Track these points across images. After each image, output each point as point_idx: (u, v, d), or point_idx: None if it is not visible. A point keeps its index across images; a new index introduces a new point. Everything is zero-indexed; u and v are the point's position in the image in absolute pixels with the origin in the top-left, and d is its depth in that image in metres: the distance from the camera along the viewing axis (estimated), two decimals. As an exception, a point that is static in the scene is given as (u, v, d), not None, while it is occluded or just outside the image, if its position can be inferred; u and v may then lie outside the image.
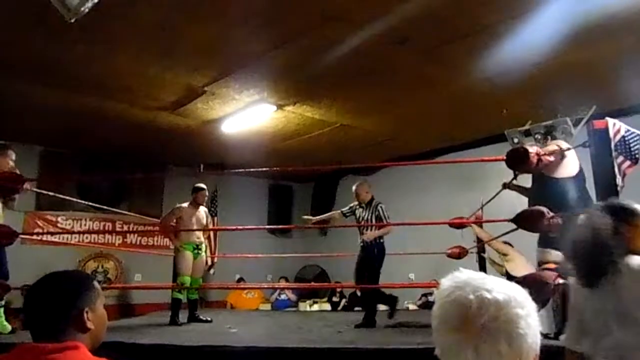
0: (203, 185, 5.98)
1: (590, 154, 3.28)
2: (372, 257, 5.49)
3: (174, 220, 5.85)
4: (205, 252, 6.04)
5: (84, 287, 1.33)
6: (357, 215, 5.68)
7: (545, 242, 3.87)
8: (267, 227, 5.55)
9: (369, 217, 5.60)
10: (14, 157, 4.86)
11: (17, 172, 4.70)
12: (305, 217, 6.07)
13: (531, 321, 0.88)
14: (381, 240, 5.57)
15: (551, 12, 4.39)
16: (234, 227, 5.85)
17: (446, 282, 0.94)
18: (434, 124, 7.61)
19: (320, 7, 4.43)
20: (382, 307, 5.86)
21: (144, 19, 4.61)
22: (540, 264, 3.88)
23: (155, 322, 5.58)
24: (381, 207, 5.65)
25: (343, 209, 5.81)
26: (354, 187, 5.76)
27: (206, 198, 6.04)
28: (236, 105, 6.82)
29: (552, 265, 3.72)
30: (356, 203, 5.71)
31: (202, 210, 5.94)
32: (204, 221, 5.94)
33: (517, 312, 0.87)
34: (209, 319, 5.68)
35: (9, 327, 4.51)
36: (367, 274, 5.43)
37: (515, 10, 4.47)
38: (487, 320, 0.85)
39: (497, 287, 0.89)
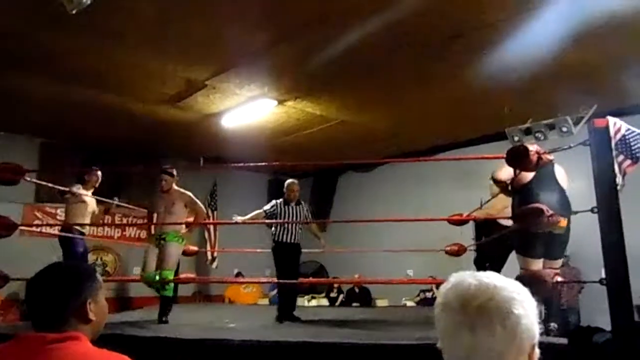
0: (166, 167, 5.50)
1: (590, 152, 3.27)
2: (298, 257, 5.57)
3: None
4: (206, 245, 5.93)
5: (87, 278, 1.33)
6: (285, 212, 5.50)
7: (525, 250, 3.93)
8: (266, 221, 5.48)
9: (303, 216, 5.58)
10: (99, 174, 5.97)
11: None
12: (235, 217, 5.92)
13: (527, 306, 0.90)
14: None
15: (553, 11, 4.40)
16: (234, 221, 5.71)
17: (451, 278, 0.98)
18: (435, 120, 7.61)
19: (322, 2, 4.43)
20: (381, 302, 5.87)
21: (145, 12, 4.61)
22: (521, 269, 3.92)
23: (153, 316, 5.59)
24: (308, 207, 5.71)
25: (265, 208, 5.57)
26: (293, 184, 5.63)
27: (163, 184, 5.08)
28: (237, 100, 6.82)
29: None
30: (281, 201, 5.56)
31: (176, 195, 5.10)
32: (179, 208, 5.08)
33: (513, 296, 0.89)
34: (163, 319, 4.83)
35: None
36: (291, 271, 5.42)
37: (517, 9, 4.47)
38: (483, 300, 0.88)
39: (495, 276, 0.93)
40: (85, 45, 5.22)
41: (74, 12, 3.06)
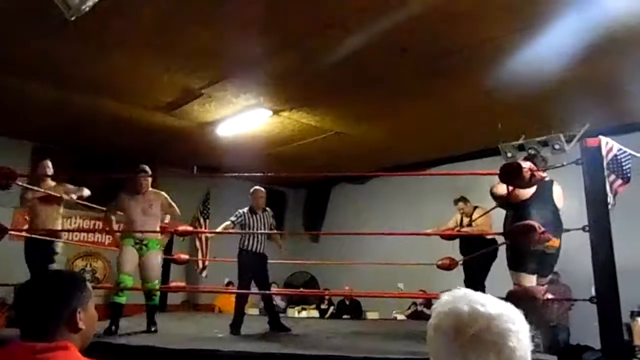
0: (144, 167, 5.05)
1: (582, 171, 3.31)
2: (266, 266, 5.46)
3: (115, 212, 5.10)
4: (197, 254, 5.86)
5: (77, 287, 1.32)
6: (253, 221, 5.42)
7: (517, 265, 3.98)
8: (258, 232, 5.42)
9: (267, 224, 5.51)
10: (49, 165, 5.46)
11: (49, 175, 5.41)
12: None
13: (522, 337, 0.89)
14: None
15: (553, 28, 4.44)
16: (231, 231, 5.62)
17: (445, 296, 0.96)
18: (429, 134, 7.64)
19: (320, 13, 4.47)
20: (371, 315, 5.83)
21: (144, 20, 4.62)
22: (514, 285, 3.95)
23: (142, 324, 5.54)
24: (273, 215, 5.65)
25: (232, 219, 5.44)
26: (258, 190, 5.56)
27: (143, 184, 4.92)
28: (232, 109, 6.83)
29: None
30: (247, 209, 5.47)
31: (153, 197, 4.97)
32: (156, 210, 4.94)
33: (509, 327, 0.88)
34: (152, 329, 4.74)
35: None
36: (262, 281, 5.38)
37: (516, 26, 4.52)
38: (478, 330, 0.87)
39: (490, 302, 0.91)
40: (83, 51, 5.22)
41: (72, 18, 3.06)
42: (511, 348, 0.86)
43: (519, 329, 0.89)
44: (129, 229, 4.82)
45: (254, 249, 5.33)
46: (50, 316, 1.25)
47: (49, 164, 5.59)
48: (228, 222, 5.46)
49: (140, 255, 4.75)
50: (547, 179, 4.05)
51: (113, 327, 4.47)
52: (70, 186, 5.72)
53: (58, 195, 5.54)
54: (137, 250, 4.76)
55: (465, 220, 6.40)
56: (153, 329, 4.73)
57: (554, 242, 3.87)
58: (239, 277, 5.37)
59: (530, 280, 3.89)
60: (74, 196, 5.70)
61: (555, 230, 3.77)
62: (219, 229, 5.62)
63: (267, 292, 5.52)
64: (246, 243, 5.36)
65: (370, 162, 8.96)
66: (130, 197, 4.89)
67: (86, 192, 5.77)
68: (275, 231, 5.69)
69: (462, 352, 0.87)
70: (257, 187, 5.60)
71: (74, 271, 7.70)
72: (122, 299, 4.73)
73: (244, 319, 5.16)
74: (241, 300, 5.30)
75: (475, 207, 6.29)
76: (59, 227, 5.67)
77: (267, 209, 5.60)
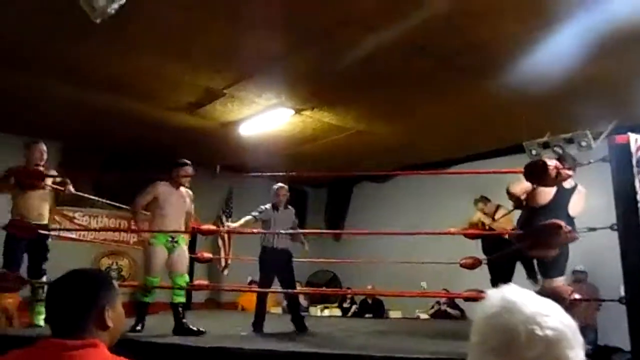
0: (186, 161, 4.86)
1: (610, 168, 3.23)
2: (291, 263, 5.40)
3: (145, 204, 4.71)
4: (220, 252, 5.82)
5: (105, 285, 1.35)
6: (275, 217, 5.40)
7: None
8: (279, 232, 5.40)
9: (289, 221, 5.51)
10: (42, 147, 4.91)
11: (42, 163, 4.85)
12: (227, 223, 5.77)
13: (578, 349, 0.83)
14: None
15: (574, 25, 4.37)
16: (249, 231, 5.64)
17: (494, 298, 0.89)
18: (451, 132, 7.58)
19: (339, 12, 4.46)
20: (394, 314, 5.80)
21: (165, 21, 4.68)
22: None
23: (165, 322, 5.61)
24: (295, 213, 5.62)
25: (254, 213, 5.42)
26: (281, 188, 5.55)
27: (188, 179, 4.84)
28: (254, 109, 6.87)
29: None
30: (269, 205, 5.44)
31: (185, 193, 4.83)
32: (187, 207, 4.83)
33: (567, 354, 0.82)
34: (202, 329, 4.47)
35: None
36: (286, 279, 5.32)
37: (535, 22, 4.45)
38: (534, 356, 0.80)
39: (549, 320, 0.83)
40: (107, 52, 5.31)
41: (98, 21, 3.11)
42: None
43: (576, 354, 0.83)
44: (161, 224, 4.60)
45: (276, 246, 5.30)
46: (80, 314, 1.28)
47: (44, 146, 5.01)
48: (249, 217, 5.44)
49: (169, 253, 4.61)
50: (571, 184, 3.99)
51: (139, 326, 4.45)
52: None
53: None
54: (169, 249, 4.61)
55: (487, 220, 6.32)
56: (202, 329, 4.50)
57: None
58: (260, 275, 5.37)
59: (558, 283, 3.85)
60: None
61: None
62: (240, 222, 5.57)
63: (289, 290, 5.51)
64: (269, 239, 5.34)
65: (391, 160, 8.92)
66: (170, 191, 4.68)
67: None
68: (298, 230, 5.66)
69: None
70: (280, 184, 5.60)
71: (101, 270, 7.84)
72: (150, 299, 4.68)
73: (265, 317, 5.17)
74: (262, 299, 5.30)
75: (498, 206, 6.21)
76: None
77: (290, 206, 5.60)
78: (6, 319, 7.25)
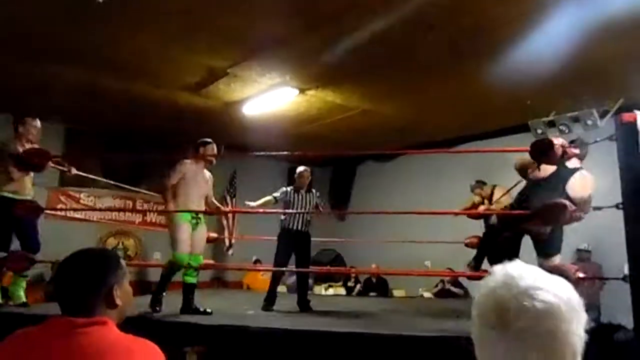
0: (210, 140, 4.79)
1: (617, 147, 3.22)
2: (309, 245, 5.46)
3: (174, 183, 4.57)
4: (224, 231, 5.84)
5: (113, 264, 1.37)
6: (296, 200, 5.42)
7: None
8: (283, 211, 5.43)
9: (313, 203, 5.51)
10: (37, 124, 4.84)
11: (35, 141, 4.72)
12: (247, 202, 5.75)
13: (571, 336, 0.83)
14: None
15: (581, 4, 4.30)
16: (253, 210, 5.66)
17: (497, 273, 0.89)
18: (456, 112, 7.53)
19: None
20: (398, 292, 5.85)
21: (169, 2, 4.63)
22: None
23: (172, 301, 5.67)
24: (318, 195, 5.63)
25: (275, 194, 5.47)
26: (306, 170, 5.54)
27: (214, 158, 4.77)
28: (258, 88, 6.84)
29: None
30: (291, 188, 5.50)
31: (208, 175, 4.82)
32: (209, 184, 4.81)
33: (558, 327, 0.82)
34: (208, 310, 4.36)
35: (23, 299, 4.61)
36: (302, 261, 5.37)
37: (542, 2, 4.38)
38: (522, 327, 0.81)
39: (540, 294, 0.83)
40: (110, 34, 5.29)
41: (100, 1, 3.09)
42: (555, 350, 0.82)
43: (568, 329, 0.82)
44: (185, 203, 4.50)
45: (296, 227, 5.37)
46: (89, 292, 1.30)
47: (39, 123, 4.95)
48: (270, 197, 5.47)
49: (192, 230, 4.53)
50: (575, 165, 3.97)
51: (200, 307, 4.37)
52: None
53: None
54: (192, 226, 4.53)
55: (484, 205, 6.32)
56: (209, 310, 4.38)
57: None
58: (275, 254, 5.40)
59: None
60: None
61: None
62: (260, 201, 5.54)
63: (294, 269, 5.55)
64: (288, 221, 5.39)
65: (396, 140, 8.89)
66: (196, 170, 4.60)
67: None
68: (316, 210, 5.65)
69: (505, 344, 0.82)
70: (303, 167, 5.62)
71: (109, 249, 7.92)
72: (195, 279, 4.57)
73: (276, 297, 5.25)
74: (275, 278, 5.41)
75: (494, 187, 6.20)
76: None
77: (313, 190, 5.62)
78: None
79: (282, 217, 5.47)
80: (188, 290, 4.50)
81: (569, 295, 0.85)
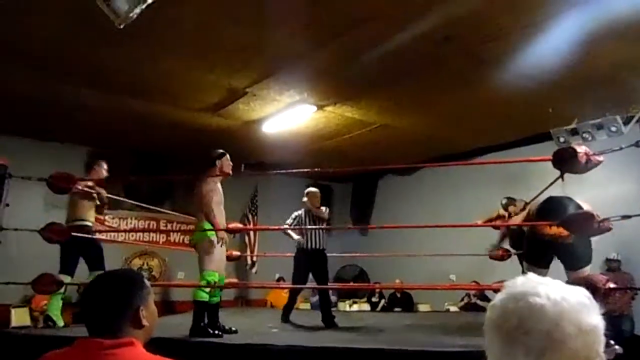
0: (224, 151, 4.76)
1: (642, 153, 3.16)
2: (325, 262, 5.58)
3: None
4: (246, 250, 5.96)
5: (139, 285, 1.38)
6: (307, 221, 5.60)
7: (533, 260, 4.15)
8: (305, 227, 5.47)
9: (321, 221, 5.66)
10: (105, 166, 5.65)
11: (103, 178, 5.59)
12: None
13: (587, 339, 0.82)
14: None
15: (598, 7, 4.25)
16: (276, 227, 5.75)
17: (518, 283, 0.90)
18: (476, 123, 7.47)
19: (360, 7, 4.43)
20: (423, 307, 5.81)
21: (188, 23, 4.72)
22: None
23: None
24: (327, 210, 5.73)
25: (288, 221, 5.67)
26: (314, 191, 5.74)
27: (230, 168, 4.73)
28: (277, 106, 6.90)
29: None
30: (302, 211, 5.71)
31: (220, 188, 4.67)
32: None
33: (569, 332, 0.81)
34: (233, 328, 4.39)
35: (61, 322, 4.72)
36: (320, 279, 5.48)
37: (561, 6, 4.34)
38: (509, 327, 0.83)
39: (532, 297, 0.84)
40: (130, 57, 5.39)
41: (121, 26, 3.16)
42: (572, 350, 0.80)
43: (578, 333, 0.81)
44: (220, 221, 4.42)
45: (311, 246, 5.48)
46: (116, 314, 1.31)
47: (105, 165, 5.74)
48: (289, 230, 5.66)
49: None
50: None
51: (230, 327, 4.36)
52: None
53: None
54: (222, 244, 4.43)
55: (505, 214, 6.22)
56: (232, 328, 4.40)
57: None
58: (293, 274, 5.56)
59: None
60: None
61: None
62: (289, 234, 5.70)
63: (317, 286, 5.58)
64: (303, 241, 5.51)
65: (416, 153, 8.85)
66: (217, 186, 4.51)
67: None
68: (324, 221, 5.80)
69: (510, 352, 0.83)
70: (311, 188, 5.77)
71: (134, 270, 8.00)
72: (216, 298, 4.51)
73: (292, 311, 5.55)
74: (293, 295, 5.63)
75: (526, 203, 6.07)
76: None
77: (322, 207, 5.73)
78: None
79: (297, 238, 5.59)
80: (215, 310, 4.44)
81: (563, 296, 0.85)
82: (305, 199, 5.74)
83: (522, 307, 0.84)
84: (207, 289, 4.27)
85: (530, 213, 4.44)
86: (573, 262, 3.88)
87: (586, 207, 3.87)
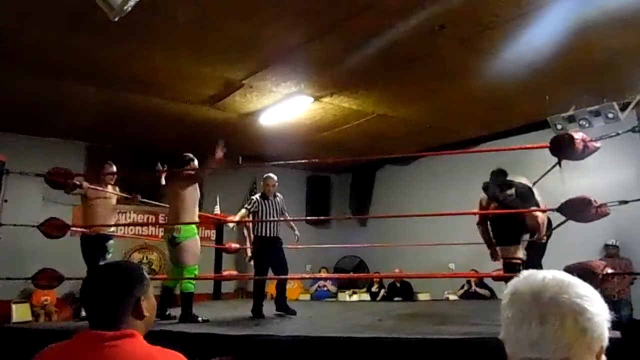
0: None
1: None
2: (281, 249, 5.58)
3: None
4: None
5: (138, 277, 1.39)
6: (264, 206, 5.58)
7: (506, 239, 4.45)
8: (304, 218, 5.51)
9: (278, 209, 5.65)
10: (114, 168, 5.91)
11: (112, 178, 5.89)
12: (232, 218, 6.00)
13: (599, 307, 0.89)
14: None
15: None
16: (272, 219, 5.73)
17: (525, 272, 0.98)
18: (473, 111, 7.47)
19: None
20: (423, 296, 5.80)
21: (183, 16, 4.69)
22: (504, 259, 4.45)
23: (197, 312, 5.70)
24: (283, 200, 5.76)
25: (247, 206, 5.64)
26: (269, 178, 5.73)
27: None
28: (274, 98, 6.88)
29: (518, 260, 4.38)
30: (259, 195, 5.68)
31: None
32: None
33: (587, 294, 0.89)
34: (206, 318, 4.84)
35: None
36: (278, 265, 5.47)
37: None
38: (556, 293, 0.88)
39: (566, 274, 0.93)
40: (125, 51, 5.37)
41: (116, 19, 3.14)
42: (590, 312, 0.87)
43: (595, 300, 0.90)
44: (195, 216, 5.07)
45: (268, 234, 5.51)
46: (117, 305, 1.31)
47: (114, 167, 6.10)
48: (243, 210, 5.65)
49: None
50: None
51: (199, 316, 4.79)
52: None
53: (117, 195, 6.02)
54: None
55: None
56: (203, 318, 4.83)
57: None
58: (255, 263, 5.58)
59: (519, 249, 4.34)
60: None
61: None
62: (236, 218, 5.81)
63: (317, 277, 5.59)
64: (260, 229, 5.55)
65: (414, 142, 8.83)
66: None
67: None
68: (289, 218, 5.97)
69: (539, 313, 0.87)
70: (268, 174, 5.79)
71: (133, 262, 8.02)
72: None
73: (264, 302, 5.44)
74: (259, 286, 5.56)
75: None
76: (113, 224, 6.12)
77: (278, 194, 5.76)
78: (45, 315, 7.48)
79: (254, 225, 5.64)
80: (190, 299, 4.91)
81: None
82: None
83: (562, 279, 0.92)
84: (194, 282, 4.97)
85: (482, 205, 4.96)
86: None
87: (524, 181, 4.55)
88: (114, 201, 6.16)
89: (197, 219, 5.09)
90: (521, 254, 4.38)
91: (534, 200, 4.43)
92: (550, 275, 0.92)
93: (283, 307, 5.42)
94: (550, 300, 0.87)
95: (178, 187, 5.05)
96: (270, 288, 9.45)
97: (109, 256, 5.82)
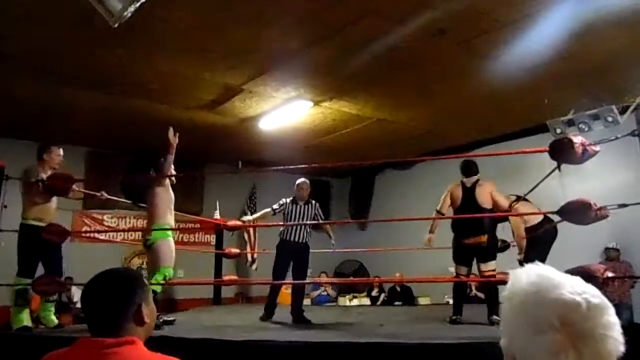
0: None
1: (639, 142, 3.16)
2: (306, 256, 5.53)
3: None
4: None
5: (138, 283, 1.38)
6: (293, 211, 5.54)
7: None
8: (303, 223, 5.48)
9: (310, 216, 5.58)
10: (61, 152, 5.03)
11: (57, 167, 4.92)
12: (244, 217, 5.95)
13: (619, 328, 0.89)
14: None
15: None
16: (274, 224, 5.72)
17: (527, 276, 0.92)
18: (472, 116, 7.48)
19: (358, 4, 4.42)
20: (423, 300, 5.77)
21: (182, 22, 4.71)
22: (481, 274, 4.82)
23: (197, 318, 5.70)
24: (318, 207, 5.68)
25: (274, 206, 5.60)
26: (303, 182, 5.66)
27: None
28: (273, 103, 6.89)
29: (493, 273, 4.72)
30: (290, 199, 5.59)
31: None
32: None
33: (613, 320, 0.88)
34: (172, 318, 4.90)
35: (55, 321, 4.71)
36: (298, 271, 5.43)
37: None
38: (594, 325, 0.85)
39: (591, 291, 0.89)
40: (125, 56, 5.38)
41: (116, 25, 3.15)
42: (615, 340, 0.86)
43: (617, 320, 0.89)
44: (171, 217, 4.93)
45: (293, 239, 5.44)
46: (119, 312, 1.31)
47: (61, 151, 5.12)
48: (268, 210, 5.62)
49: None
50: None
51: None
52: None
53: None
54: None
55: None
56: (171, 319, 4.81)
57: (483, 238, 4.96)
58: (274, 265, 5.47)
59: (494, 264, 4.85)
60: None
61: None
62: (258, 214, 5.76)
63: (319, 281, 5.57)
64: (286, 233, 5.48)
65: (413, 147, 8.85)
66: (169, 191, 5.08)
67: None
68: (318, 221, 5.75)
69: (575, 346, 0.83)
70: (301, 179, 5.69)
71: (132, 268, 8.01)
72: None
73: (276, 308, 5.41)
74: (274, 289, 5.50)
75: (517, 197, 6.05)
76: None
77: (312, 201, 5.68)
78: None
79: (281, 228, 5.57)
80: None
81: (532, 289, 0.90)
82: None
83: (600, 302, 0.88)
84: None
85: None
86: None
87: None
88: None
89: (170, 221, 4.82)
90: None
91: None
92: (585, 296, 0.86)
93: (299, 317, 5.26)
94: (587, 332, 0.84)
95: (150, 191, 4.94)
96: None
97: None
